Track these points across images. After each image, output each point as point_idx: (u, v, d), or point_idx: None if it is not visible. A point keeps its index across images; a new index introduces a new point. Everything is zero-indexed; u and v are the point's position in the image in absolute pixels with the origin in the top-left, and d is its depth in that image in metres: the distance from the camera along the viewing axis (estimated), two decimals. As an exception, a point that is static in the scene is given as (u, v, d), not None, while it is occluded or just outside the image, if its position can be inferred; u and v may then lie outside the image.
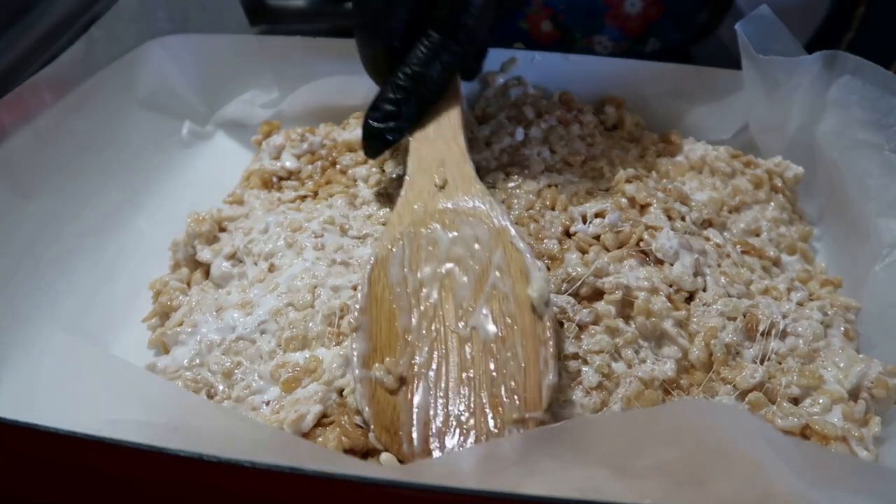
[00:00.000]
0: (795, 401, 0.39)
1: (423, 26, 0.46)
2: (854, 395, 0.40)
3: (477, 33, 0.46)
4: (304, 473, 0.26)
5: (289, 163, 0.55)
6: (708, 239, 0.48)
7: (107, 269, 0.49)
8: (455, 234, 0.42)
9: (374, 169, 0.54)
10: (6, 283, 0.44)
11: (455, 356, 0.38)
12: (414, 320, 0.39)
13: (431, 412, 0.36)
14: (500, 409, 0.36)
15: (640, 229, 0.45)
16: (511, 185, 0.51)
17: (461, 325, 0.39)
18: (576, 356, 0.39)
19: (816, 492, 0.29)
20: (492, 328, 0.38)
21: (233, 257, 0.47)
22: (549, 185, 0.50)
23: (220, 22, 0.65)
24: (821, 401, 0.39)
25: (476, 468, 0.30)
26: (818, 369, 0.40)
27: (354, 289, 0.43)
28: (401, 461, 0.36)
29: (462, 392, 0.37)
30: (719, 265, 0.46)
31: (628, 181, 0.50)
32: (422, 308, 0.40)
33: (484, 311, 0.39)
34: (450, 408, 0.36)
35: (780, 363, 0.41)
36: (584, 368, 0.39)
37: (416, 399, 0.37)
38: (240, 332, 0.42)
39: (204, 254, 0.48)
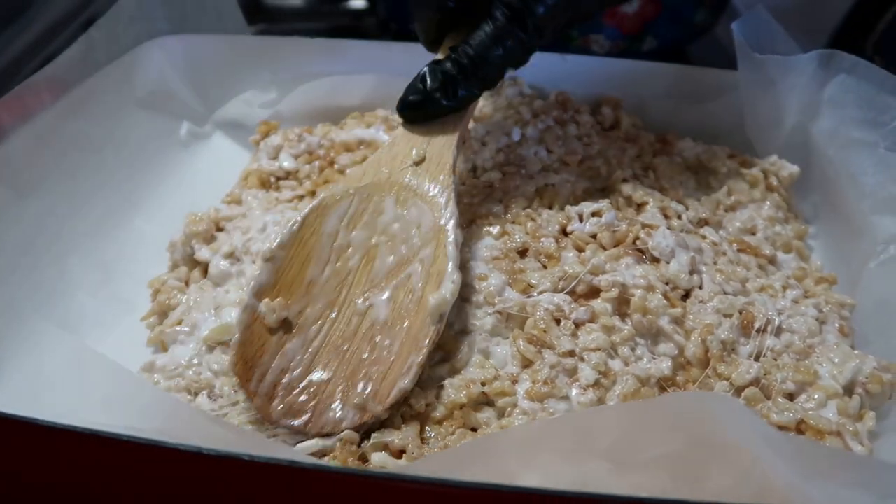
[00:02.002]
0: (791, 396, 0.39)
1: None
2: (849, 390, 0.40)
3: (547, 27, 0.43)
4: (302, 466, 0.26)
5: (286, 163, 0.55)
6: (704, 237, 0.48)
7: (106, 268, 0.50)
8: (403, 212, 0.42)
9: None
10: (6, 282, 0.44)
11: (342, 325, 0.39)
12: (325, 275, 0.40)
13: (293, 364, 0.38)
14: (351, 390, 0.37)
15: (636, 228, 0.45)
16: (508, 184, 0.51)
17: (362, 298, 0.39)
18: (572, 354, 0.39)
19: (812, 486, 0.29)
20: (385, 314, 0.39)
21: (231, 256, 0.47)
22: (546, 185, 0.50)
23: (219, 22, 0.65)
24: (816, 396, 0.39)
25: (474, 461, 0.30)
26: (813, 365, 0.41)
27: None
28: (247, 397, 0.37)
29: (329, 360, 0.38)
30: (715, 263, 0.46)
31: (625, 180, 0.50)
32: (338, 265, 0.40)
33: (387, 295, 0.40)
34: (311, 368, 0.38)
35: (775, 359, 0.41)
36: (581, 366, 0.39)
37: (288, 346, 0.38)
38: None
39: (202, 253, 0.48)
